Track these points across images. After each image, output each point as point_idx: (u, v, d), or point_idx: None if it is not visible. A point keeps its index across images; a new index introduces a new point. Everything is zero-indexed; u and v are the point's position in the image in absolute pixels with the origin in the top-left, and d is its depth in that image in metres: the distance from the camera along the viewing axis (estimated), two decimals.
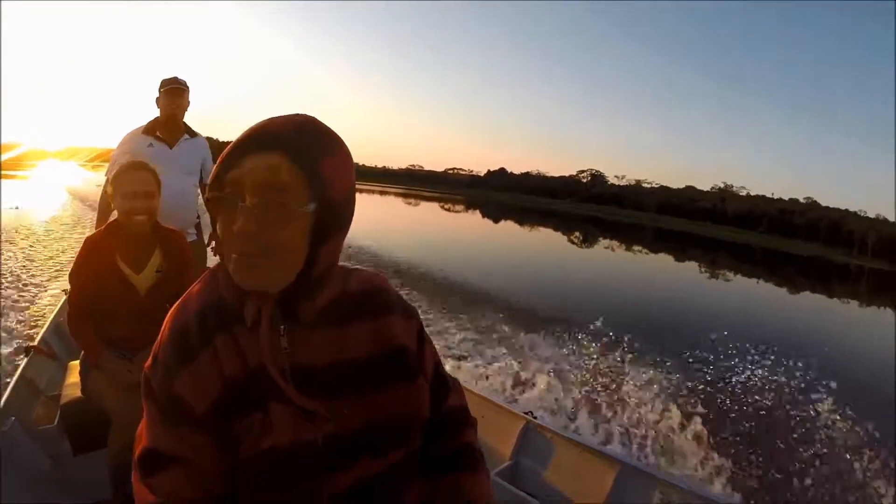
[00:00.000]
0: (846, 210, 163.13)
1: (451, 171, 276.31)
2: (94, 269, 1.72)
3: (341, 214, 0.64)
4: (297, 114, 0.65)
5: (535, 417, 2.16)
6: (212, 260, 2.69)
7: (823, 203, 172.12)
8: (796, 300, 17.00)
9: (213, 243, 2.72)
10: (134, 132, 2.73)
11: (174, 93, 2.68)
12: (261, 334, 0.63)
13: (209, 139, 3.12)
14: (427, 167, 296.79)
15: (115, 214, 1.86)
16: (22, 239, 8.05)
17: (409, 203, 50.65)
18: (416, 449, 0.73)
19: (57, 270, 6.16)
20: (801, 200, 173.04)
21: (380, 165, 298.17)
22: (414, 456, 0.73)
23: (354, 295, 0.72)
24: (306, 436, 0.63)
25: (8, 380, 2.12)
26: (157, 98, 2.70)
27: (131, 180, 1.74)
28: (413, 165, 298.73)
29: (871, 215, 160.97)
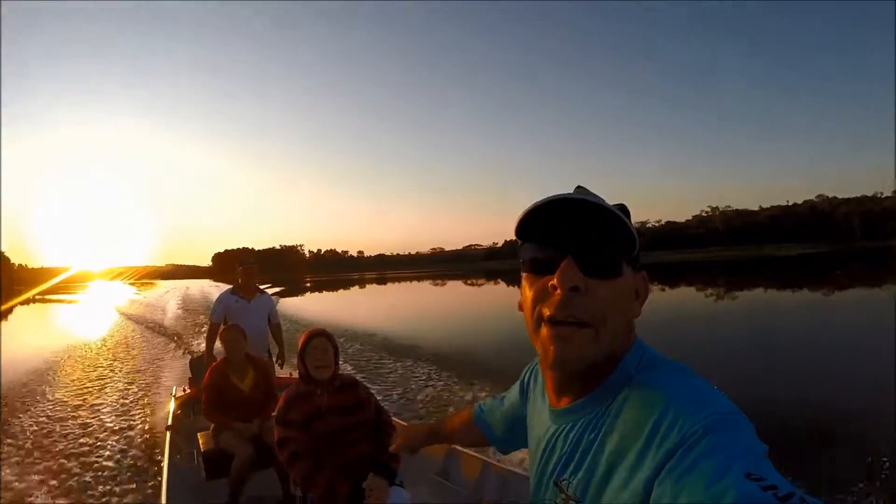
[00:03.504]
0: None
1: (469, 248, 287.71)
2: (216, 382, 3.24)
3: None
4: None
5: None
6: (278, 371, 4.35)
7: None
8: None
9: (281, 361, 4.33)
10: (225, 292, 4.43)
11: (249, 270, 4.42)
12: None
13: None
14: (448, 248, 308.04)
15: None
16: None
17: (438, 284, 51.85)
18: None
19: (142, 383, 7.63)
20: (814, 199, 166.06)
21: (412, 252, 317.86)
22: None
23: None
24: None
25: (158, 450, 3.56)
26: (238, 270, 4.42)
27: (231, 334, 3.34)
28: (436, 248, 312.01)
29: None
